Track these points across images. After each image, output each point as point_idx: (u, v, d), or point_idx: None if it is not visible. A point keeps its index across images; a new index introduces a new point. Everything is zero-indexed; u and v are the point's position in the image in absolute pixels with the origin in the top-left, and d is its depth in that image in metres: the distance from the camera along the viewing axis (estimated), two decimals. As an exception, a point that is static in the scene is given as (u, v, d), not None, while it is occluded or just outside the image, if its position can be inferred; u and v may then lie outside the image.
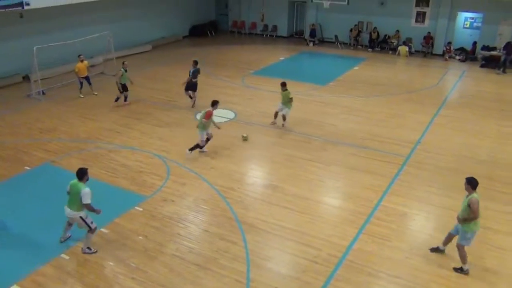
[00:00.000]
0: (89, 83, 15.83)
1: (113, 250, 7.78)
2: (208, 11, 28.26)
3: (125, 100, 15.16)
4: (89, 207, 7.36)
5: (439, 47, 22.63)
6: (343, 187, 10.15)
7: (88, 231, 7.64)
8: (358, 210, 9.08)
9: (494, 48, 21.04)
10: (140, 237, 8.15)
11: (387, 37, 23.70)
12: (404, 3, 22.81)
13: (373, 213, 8.95)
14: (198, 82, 14.92)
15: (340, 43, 24.63)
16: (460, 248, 7.34)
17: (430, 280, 7.19)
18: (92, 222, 7.60)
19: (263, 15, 27.04)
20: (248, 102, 15.50)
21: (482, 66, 20.68)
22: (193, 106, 14.85)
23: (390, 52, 23.10)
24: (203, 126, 11.11)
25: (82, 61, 15.34)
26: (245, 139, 12.36)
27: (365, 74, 19.32)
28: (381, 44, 23.83)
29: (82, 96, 15.75)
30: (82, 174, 7.41)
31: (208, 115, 11.03)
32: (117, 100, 14.96)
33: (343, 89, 17.07)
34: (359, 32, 24.39)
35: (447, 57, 21.94)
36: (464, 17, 22.58)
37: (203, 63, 18.96)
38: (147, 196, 9.53)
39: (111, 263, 7.52)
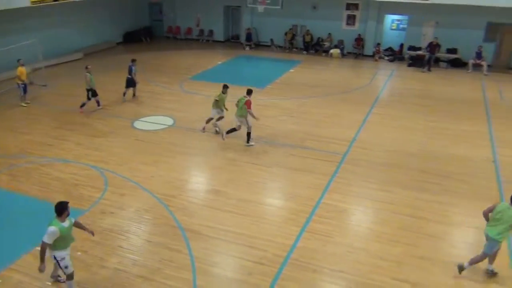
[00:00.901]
0: (25, 91, 15.00)
1: (49, 269, 7.38)
2: (142, 17, 27.69)
3: (98, 105, 14.86)
4: (42, 246, 6.23)
5: (369, 49, 23.68)
6: (285, 188, 10.32)
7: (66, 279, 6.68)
8: (300, 209, 9.27)
9: (419, 48, 22.35)
10: (79, 253, 7.79)
11: (320, 40, 24.44)
12: (335, 7, 23.65)
13: (315, 211, 9.17)
14: (139, 89, 14.72)
15: (275, 47, 25.09)
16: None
17: (371, 272, 7.48)
18: (67, 267, 6.55)
19: (198, 20, 26.95)
20: (187, 107, 15.36)
21: (409, 65, 21.90)
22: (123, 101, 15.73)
23: (324, 54, 23.85)
24: (241, 114, 11.97)
25: (22, 65, 14.66)
26: (217, 132, 12.88)
27: (301, 76, 19.80)
28: (315, 47, 24.53)
29: (25, 105, 15.01)
30: (59, 209, 6.36)
31: (249, 104, 11.88)
32: (82, 106, 14.59)
33: (280, 91, 17.38)
34: (294, 35, 24.96)
35: (377, 58, 23.02)
36: (391, 20, 23.83)
37: (140, 70, 18.55)
38: (85, 209, 9.15)
39: (48, 283, 7.13)
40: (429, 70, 20.89)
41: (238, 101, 12.18)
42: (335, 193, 9.94)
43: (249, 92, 12.20)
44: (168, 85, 17.82)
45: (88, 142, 12.45)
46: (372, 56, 23.38)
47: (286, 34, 24.95)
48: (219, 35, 27.01)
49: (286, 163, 11.38)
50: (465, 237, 8.63)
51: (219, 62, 22.16)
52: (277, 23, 24.96)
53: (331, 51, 23.43)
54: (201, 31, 27.17)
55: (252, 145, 12.30)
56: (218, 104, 12.87)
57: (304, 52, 24.41)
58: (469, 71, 20.81)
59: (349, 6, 23.58)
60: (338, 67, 21.97)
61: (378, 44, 23.29)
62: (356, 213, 9.35)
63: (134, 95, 16.23)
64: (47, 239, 6.19)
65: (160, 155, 11.64)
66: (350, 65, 22.35)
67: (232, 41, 27.39)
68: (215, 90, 16.13)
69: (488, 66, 20.83)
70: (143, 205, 9.35)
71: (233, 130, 12.46)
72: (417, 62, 21.70)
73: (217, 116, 12.99)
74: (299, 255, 7.84)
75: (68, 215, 6.45)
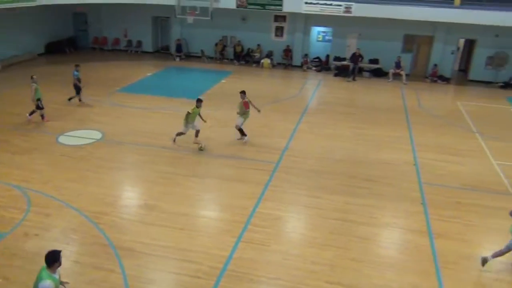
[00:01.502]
0: None
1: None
2: (65, 27, 26.47)
3: (43, 118, 14.34)
4: None
5: (297, 59, 24.43)
6: (219, 198, 10.30)
7: None
8: (235, 219, 9.28)
9: (344, 59, 23.44)
10: (0, 280, 7.23)
11: (250, 50, 24.83)
12: (263, 19, 24.15)
13: (250, 221, 9.23)
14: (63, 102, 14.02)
15: (206, 58, 25.09)
16: None
17: (307, 277, 7.64)
18: None
19: (126, 31, 26.30)
20: (116, 120, 14.87)
21: (335, 75, 22.87)
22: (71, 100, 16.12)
23: (254, 65, 24.25)
24: (243, 114, 13.05)
25: None
26: (201, 148, 12.51)
27: (233, 86, 19.91)
28: (245, 58, 24.87)
29: None
30: (51, 259, 5.62)
31: (246, 104, 12.95)
32: (31, 114, 14.22)
33: (213, 102, 17.35)
34: (224, 46, 25.15)
35: (305, 68, 23.81)
36: (317, 31, 24.79)
37: (64, 82, 17.77)
38: (5, 232, 8.51)
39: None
40: (353, 79, 21.95)
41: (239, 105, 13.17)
42: (269, 201, 10.07)
43: (242, 92, 13.20)
44: (95, 98, 17.15)
45: (8, 160, 11.62)
46: (301, 66, 24.13)
47: (216, 45, 25.07)
48: (147, 46, 26.52)
49: (220, 174, 11.37)
50: (392, 238, 9.10)
51: (149, 74, 21.75)
52: (207, 34, 25.02)
53: (262, 60, 23.89)
54: (129, 42, 26.54)
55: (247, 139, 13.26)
56: (190, 117, 12.57)
57: (235, 62, 24.65)
58: (389, 80, 22.14)
59: (277, 18, 24.21)
60: (268, 77, 22.42)
61: (306, 55, 24.11)
62: (290, 220, 9.55)
63: (80, 100, 16.37)
64: None
65: (88, 171, 11.15)
66: (280, 76, 22.91)
67: (161, 52, 27.01)
68: (146, 102, 15.86)
69: (407, 75, 22.32)
70: (71, 224, 8.88)
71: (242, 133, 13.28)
72: (342, 72, 22.73)
73: (184, 131, 12.79)
74: (235, 266, 7.83)
75: (60, 265, 5.75)
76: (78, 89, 16.10)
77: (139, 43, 26.47)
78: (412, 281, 7.68)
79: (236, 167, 11.78)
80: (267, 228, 9.03)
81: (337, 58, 23.72)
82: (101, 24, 26.61)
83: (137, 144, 12.90)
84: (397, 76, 22.12)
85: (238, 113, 13.35)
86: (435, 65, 22.65)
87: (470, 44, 23.96)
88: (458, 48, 24.43)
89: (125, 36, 26.48)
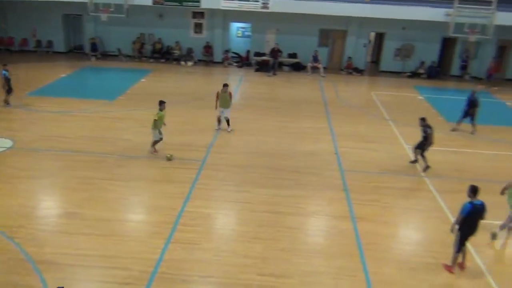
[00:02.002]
0: None
1: None
2: (-38, 27, 24.20)
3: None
4: None
5: (218, 56, 24.41)
6: (146, 201, 10.05)
7: None
8: (163, 220, 9.10)
9: (264, 54, 23.83)
10: None
11: (169, 48, 24.37)
12: (181, 15, 23.80)
13: (178, 221, 9.10)
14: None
15: (123, 56, 24.23)
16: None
17: (239, 272, 7.70)
18: None
19: (35, 30, 24.58)
20: (28, 126, 13.89)
21: (256, 70, 23.19)
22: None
23: (174, 62, 23.85)
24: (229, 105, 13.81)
25: None
26: (169, 158, 11.75)
27: (153, 85, 19.47)
28: (165, 55, 24.37)
29: None
30: None
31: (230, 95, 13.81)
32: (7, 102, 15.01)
33: (133, 102, 16.85)
34: (142, 44, 24.44)
35: (226, 64, 23.86)
36: (236, 27, 24.92)
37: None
38: None
39: None
40: (274, 74, 22.39)
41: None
42: (198, 199, 10.00)
43: (224, 85, 13.64)
44: (2, 103, 15.88)
45: None
46: (222, 62, 24.14)
47: (134, 43, 24.30)
48: (59, 46, 25.01)
49: (145, 175, 11.08)
50: (318, 225, 9.46)
51: (63, 75, 20.55)
52: (124, 31, 24.13)
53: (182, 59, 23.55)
54: (39, 42, 24.84)
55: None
56: (158, 123, 11.91)
57: (152, 60, 24.05)
58: (308, 73, 22.90)
59: (195, 15, 23.98)
60: (189, 74, 22.16)
61: (226, 51, 24.17)
62: (219, 216, 9.56)
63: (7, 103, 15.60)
64: None
65: (-1, 182, 10.33)
66: (201, 72, 22.77)
67: (75, 52, 25.61)
68: (61, 105, 15.05)
69: (324, 68, 23.22)
70: (-18, 241, 8.18)
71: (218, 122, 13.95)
72: (263, 67, 23.10)
73: (154, 140, 12.15)
74: (167, 268, 7.69)
75: None
76: (9, 90, 15.53)
77: (50, 43, 24.89)
78: (339, 264, 8.04)
79: (161, 167, 11.54)
80: (197, 227, 8.97)
81: (257, 54, 24.05)
82: (6, 23, 24.61)
83: (52, 150, 12.15)
84: (315, 69, 22.92)
85: (222, 106, 13.78)
86: (350, 58, 23.79)
87: (380, 37, 25.47)
88: (370, 41, 25.87)
89: (34, 36, 24.73)
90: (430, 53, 23.66)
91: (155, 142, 12.18)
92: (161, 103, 11.95)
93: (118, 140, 13.07)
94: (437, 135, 11.96)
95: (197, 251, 8.22)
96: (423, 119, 11.80)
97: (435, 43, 23.64)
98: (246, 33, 24.96)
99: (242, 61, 24.20)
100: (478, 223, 7.67)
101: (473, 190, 7.63)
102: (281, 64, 23.44)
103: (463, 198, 7.77)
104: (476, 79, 23.34)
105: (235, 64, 24.11)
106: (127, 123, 14.57)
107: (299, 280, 7.58)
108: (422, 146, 11.84)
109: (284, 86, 20.73)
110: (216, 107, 13.89)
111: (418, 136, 11.98)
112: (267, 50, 23.70)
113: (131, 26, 23.85)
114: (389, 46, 24.06)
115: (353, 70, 23.68)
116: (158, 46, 24.22)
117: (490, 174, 11.84)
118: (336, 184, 11.06)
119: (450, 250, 7.93)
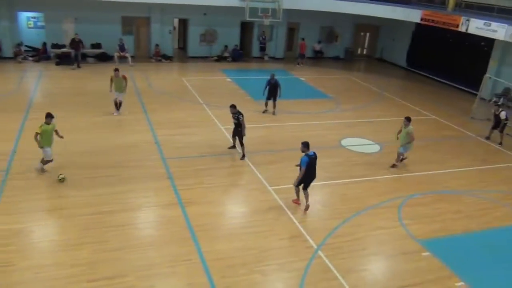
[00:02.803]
0: None
1: None
2: None
3: None
4: None
5: (8, 50, 21.46)
6: None
7: None
8: (-36, 247, 7.77)
9: (63, 46, 21.88)
10: None
11: None
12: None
13: (-16, 244, 7.89)
14: None
15: None
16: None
17: (68, 283, 7.13)
18: None
19: None
20: None
21: (57, 63, 21.17)
22: None
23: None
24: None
25: None
26: (61, 180, 10.05)
27: None
28: None
29: None
30: None
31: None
32: None
33: None
34: None
35: (20, 59, 21.15)
36: (26, 17, 22.20)
37: None
38: None
39: None
40: (78, 66, 20.80)
41: None
42: (5, 215, 8.80)
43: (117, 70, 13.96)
44: None
45: None
46: (14, 58, 21.32)
47: None
48: None
49: None
50: (148, 217, 9.32)
51: None
52: None
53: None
54: None
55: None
56: (42, 138, 9.94)
57: None
58: (116, 63, 21.89)
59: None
60: (-26, 74, 19.01)
61: (19, 44, 21.42)
62: (34, 229, 8.56)
63: None
64: None
65: None
66: (-11, 70, 19.72)
67: None
68: None
69: (132, 57, 22.52)
70: None
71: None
72: (64, 60, 21.24)
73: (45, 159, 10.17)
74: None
75: None
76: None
77: None
78: (173, 251, 8.12)
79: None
80: (9, 246, 7.91)
81: (55, 46, 21.95)
82: None
83: None
84: (123, 59, 22.05)
85: (117, 90, 14.17)
86: (157, 45, 23.61)
87: (184, 24, 25.87)
88: (175, 28, 26.08)
89: None
90: (232, 37, 25.09)
91: (47, 161, 10.60)
92: (48, 116, 10.43)
93: None
94: (247, 113, 12.88)
95: (13, 273, 7.28)
96: (233, 106, 11.89)
97: (235, 27, 25.16)
98: (39, 23, 22.46)
99: (39, 55, 21.75)
100: (315, 169, 9.45)
101: (306, 145, 9.34)
102: (85, 56, 21.88)
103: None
104: (274, 59, 25.77)
105: (30, 58, 21.53)
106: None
107: (134, 276, 7.41)
108: (239, 133, 11.88)
109: (91, 78, 19.43)
110: (110, 90, 14.58)
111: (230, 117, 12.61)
112: (66, 41, 21.79)
113: None
114: (194, 32, 24.66)
115: (162, 57, 23.60)
116: None
117: (294, 143, 13.33)
118: (160, 173, 11.03)
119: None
